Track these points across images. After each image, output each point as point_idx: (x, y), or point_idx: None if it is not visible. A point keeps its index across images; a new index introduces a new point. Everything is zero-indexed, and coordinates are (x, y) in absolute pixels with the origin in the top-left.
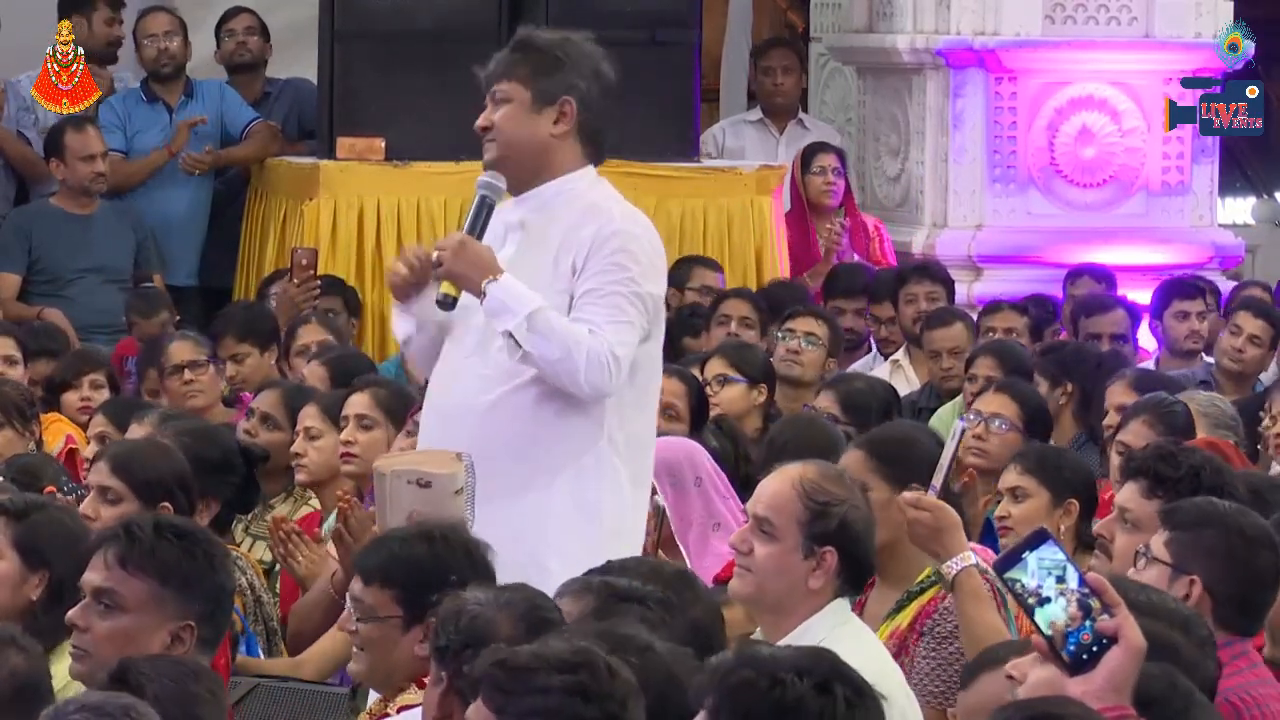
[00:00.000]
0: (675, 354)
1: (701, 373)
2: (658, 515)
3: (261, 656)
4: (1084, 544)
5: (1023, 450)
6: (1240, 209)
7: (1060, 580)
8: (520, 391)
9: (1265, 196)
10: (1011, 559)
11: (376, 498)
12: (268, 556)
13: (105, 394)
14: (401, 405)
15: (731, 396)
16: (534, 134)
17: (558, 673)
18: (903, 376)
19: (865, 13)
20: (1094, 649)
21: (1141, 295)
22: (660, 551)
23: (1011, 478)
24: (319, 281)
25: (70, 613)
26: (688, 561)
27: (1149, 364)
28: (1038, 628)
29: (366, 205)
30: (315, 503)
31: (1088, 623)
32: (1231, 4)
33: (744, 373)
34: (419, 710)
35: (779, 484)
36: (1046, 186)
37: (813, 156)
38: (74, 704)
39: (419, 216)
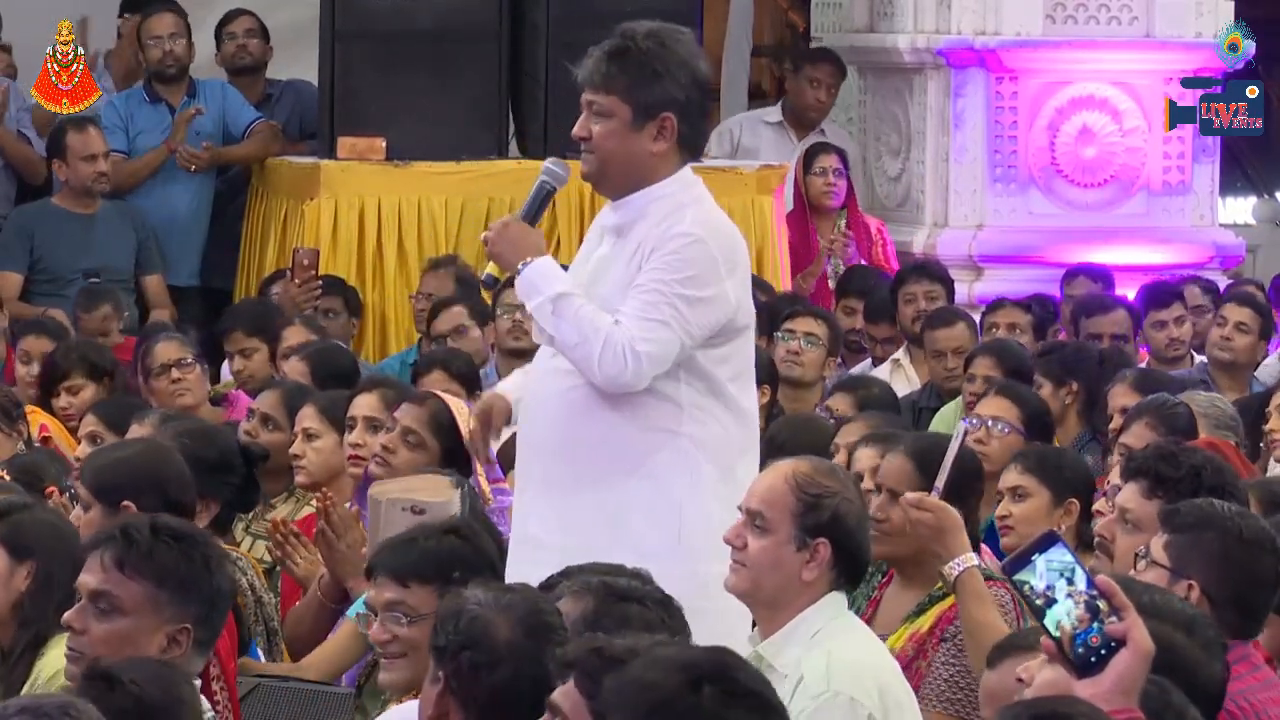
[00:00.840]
0: None
1: None
2: None
3: (261, 658)
4: (1084, 544)
5: (1023, 450)
6: (1241, 209)
7: (1069, 582)
8: (582, 394)
9: (1266, 196)
10: (1020, 561)
11: (370, 524)
12: (268, 556)
13: (86, 396)
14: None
15: None
16: (634, 151)
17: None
18: (903, 376)
19: (866, 12)
20: (1102, 652)
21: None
22: None
23: (1012, 477)
24: (320, 281)
25: (66, 615)
26: None
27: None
28: (1046, 630)
29: (367, 205)
30: (315, 504)
31: (1096, 625)
32: (1232, 4)
33: None
34: (413, 704)
35: (771, 479)
36: (1047, 186)
37: (814, 157)
38: (12, 707)
39: (420, 216)
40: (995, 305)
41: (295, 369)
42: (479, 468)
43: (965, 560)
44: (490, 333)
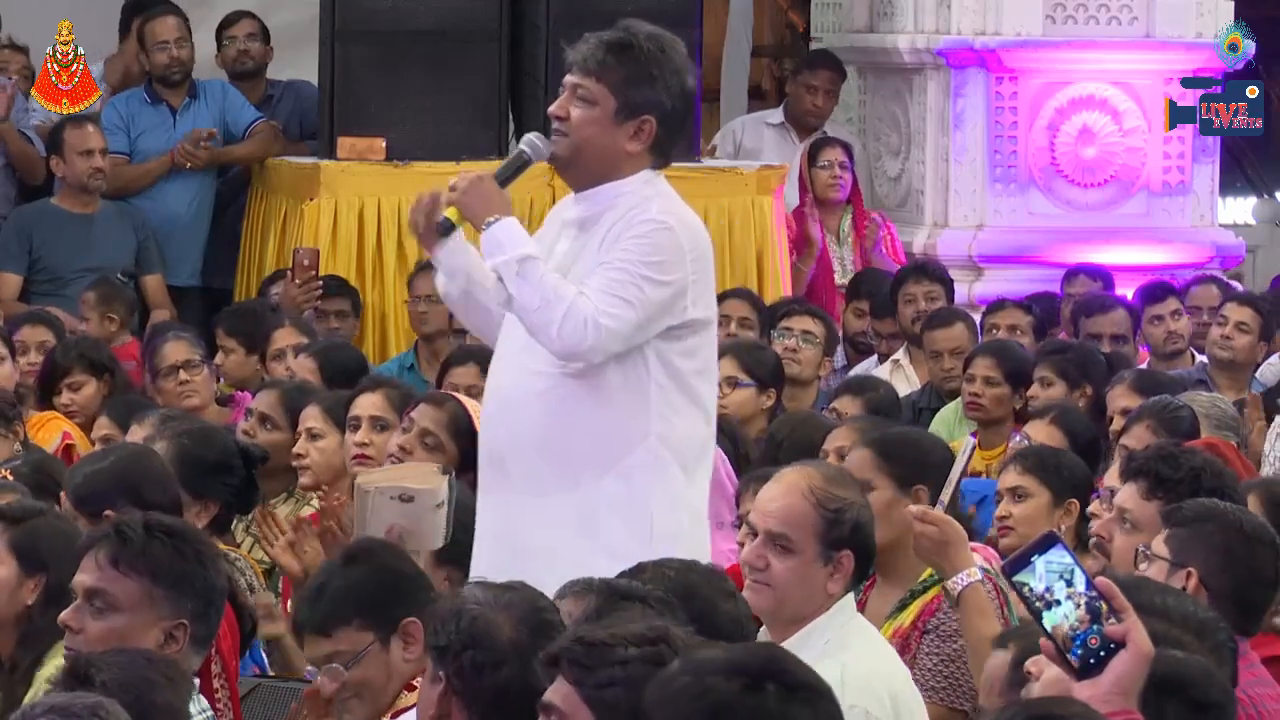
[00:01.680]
0: None
1: None
2: None
3: (264, 658)
4: (1084, 544)
5: (1022, 450)
6: (1241, 209)
7: (1068, 584)
8: (563, 385)
9: (1266, 196)
10: (1020, 562)
11: (356, 513)
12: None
13: (88, 392)
14: (408, 405)
15: (740, 400)
16: (609, 145)
17: (635, 645)
18: (902, 376)
19: (866, 13)
20: (1101, 653)
21: None
22: None
23: (1012, 478)
24: (320, 281)
25: (62, 615)
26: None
27: (1144, 366)
28: (1045, 631)
29: (367, 205)
30: (316, 503)
31: (1095, 627)
32: (1232, 4)
33: (755, 376)
34: (413, 713)
35: (787, 497)
36: (1047, 186)
37: (819, 150)
38: (41, 706)
39: None
40: (996, 306)
41: (303, 366)
42: None
43: (969, 575)
44: None
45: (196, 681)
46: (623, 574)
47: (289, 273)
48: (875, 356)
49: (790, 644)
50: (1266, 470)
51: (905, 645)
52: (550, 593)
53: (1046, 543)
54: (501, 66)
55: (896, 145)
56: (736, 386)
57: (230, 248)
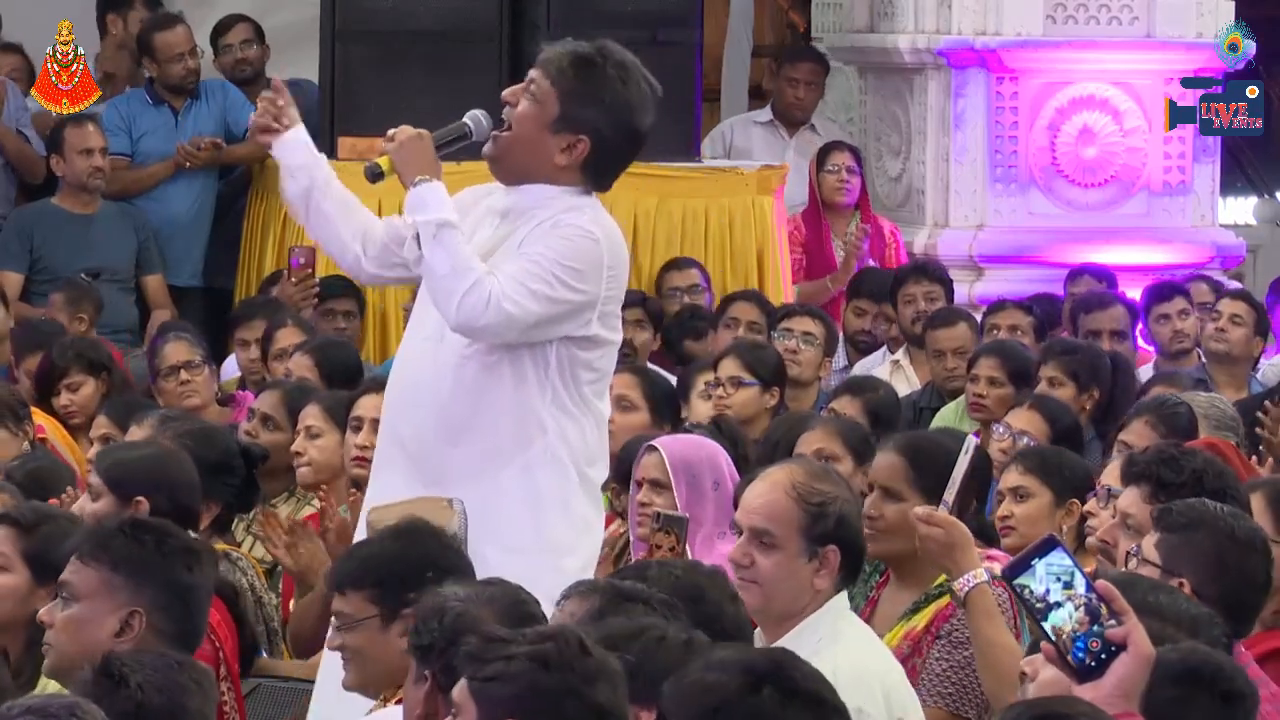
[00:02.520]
0: (679, 357)
1: (714, 371)
2: (670, 523)
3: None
4: (1084, 544)
5: (1023, 451)
6: (1242, 209)
7: (1068, 586)
8: (468, 377)
9: (1267, 196)
10: (1020, 565)
11: None
12: (269, 556)
13: (86, 392)
14: None
15: (743, 400)
16: (539, 148)
17: (528, 643)
18: (903, 376)
19: (866, 13)
20: (1102, 656)
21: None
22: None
23: (1013, 478)
24: (317, 281)
25: (40, 612)
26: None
27: (1149, 366)
28: (1045, 634)
29: (368, 205)
30: (317, 503)
31: (1095, 629)
32: (1232, 4)
33: (758, 375)
34: (397, 710)
35: (770, 494)
36: (1048, 186)
37: (827, 155)
38: (19, 707)
39: None
40: (996, 306)
41: (301, 364)
42: None
43: (975, 576)
44: None
45: None
46: (625, 574)
47: (285, 272)
48: (875, 354)
49: (783, 643)
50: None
51: (917, 648)
52: None
53: (1046, 546)
54: (501, 66)
55: (897, 145)
56: (740, 386)
57: (232, 248)
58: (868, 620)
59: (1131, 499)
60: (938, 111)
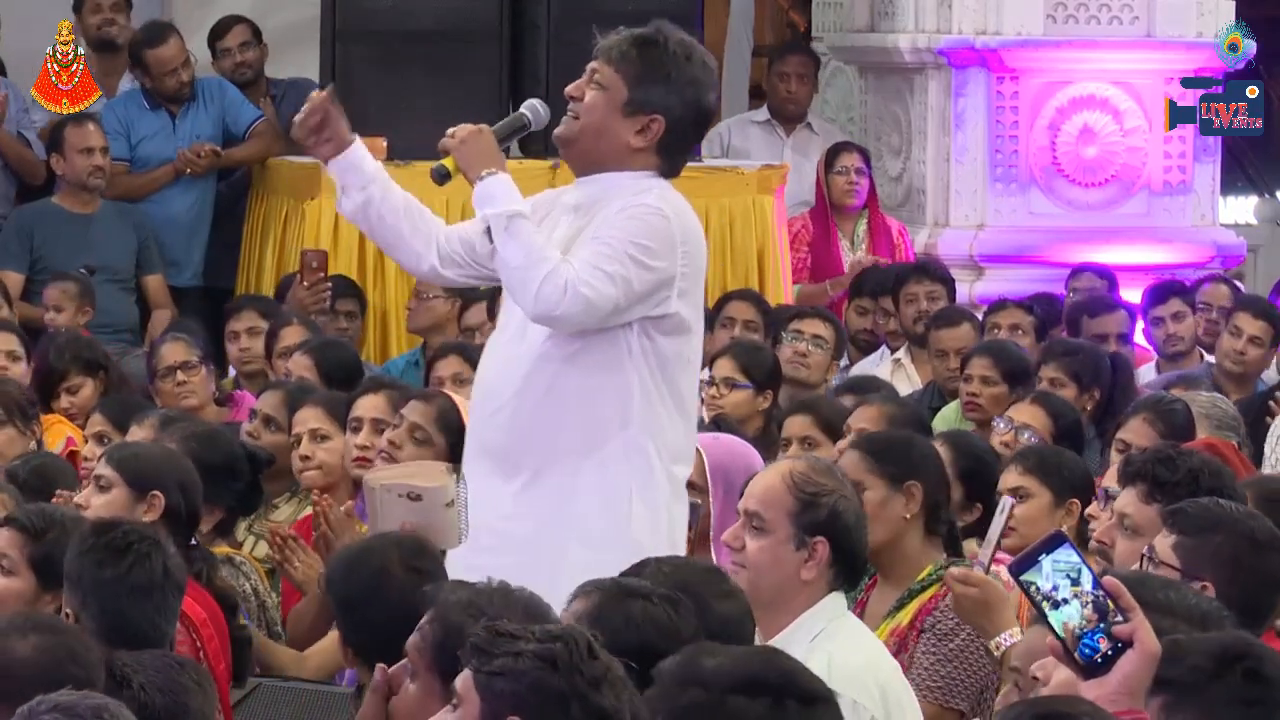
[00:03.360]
0: None
1: (710, 370)
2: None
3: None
4: (1084, 544)
5: (1022, 451)
6: (1242, 208)
7: (1075, 583)
8: (547, 373)
9: (1267, 196)
10: (1027, 562)
11: (368, 511)
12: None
13: (86, 393)
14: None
15: (736, 401)
16: (613, 133)
17: (536, 640)
18: (904, 376)
19: (867, 12)
20: (1109, 653)
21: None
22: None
23: (1012, 478)
24: (329, 283)
25: None
26: (715, 560)
27: (1150, 366)
28: (1052, 630)
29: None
30: None
31: (1102, 626)
32: (1232, 4)
33: (752, 378)
34: None
35: (768, 478)
36: (1048, 186)
37: (836, 156)
38: (47, 703)
39: None
40: (997, 305)
41: (300, 364)
42: None
43: (1013, 635)
44: None
45: None
46: (625, 571)
47: (297, 275)
48: (874, 355)
49: (780, 638)
50: (1268, 472)
51: (903, 644)
52: (528, 579)
53: (1054, 542)
54: (502, 66)
55: (897, 145)
56: (734, 388)
57: (232, 249)
58: None
59: (1128, 499)
60: (938, 111)
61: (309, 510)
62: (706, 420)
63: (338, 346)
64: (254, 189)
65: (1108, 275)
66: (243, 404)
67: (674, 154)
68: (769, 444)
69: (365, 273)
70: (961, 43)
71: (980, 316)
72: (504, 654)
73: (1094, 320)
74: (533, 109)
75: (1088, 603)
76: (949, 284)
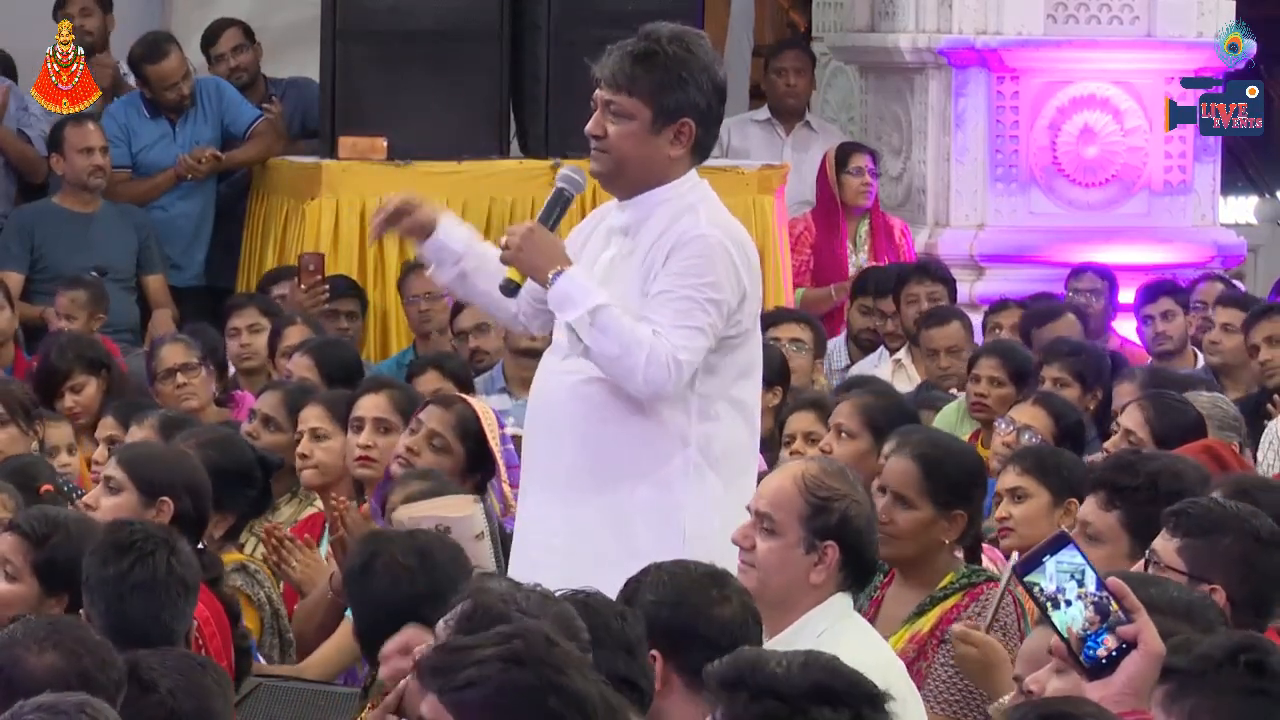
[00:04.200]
0: None
1: None
2: None
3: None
4: None
5: (1021, 451)
6: (1243, 208)
7: (1079, 584)
8: (604, 391)
9: (1267, 196)
10: (1031, 563)
11: None
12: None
13: (89, 393)
14: (413, 406)
15: None
16: (651, 155)
17: (492, 644)
18: (904, 376)
19: (867, 12)
20: (1113, 654)
21: None
22: None
23: (1011, 478)
24: (327, 285)
25: None
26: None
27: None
28: (1056, 631)
29: (369, 205)
30: (320, 503)
31: (1106, 627)
32: (1232, 4)
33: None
34: None
35: (780, 480)
36: (1048, 186)
37: (848, 156)
38: (30, 704)
39: None
40: (998, 305)
41: (300, 364)
42: (502, 472)
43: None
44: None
45: None
46: (630, 579)
47: (295, 278)
48: (872, 355)
49: (784, 636)
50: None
51: (922, 651)
52: None
53: (1058, 543)
54: (502, 66)
55: (898, 145)
56: None
57: (233, 249)
58: (871, 620)
59: (1089, 507)
60: (938, 111)
61: (310, 510)
62: None
63: (338, 346)
64: (254, 189)
65: (1108, 275)
66: (243, 404)
67: (707, 146)
68: (777, 445)
69: (365, 273)
70: (962, 43)
71: (980, 317)
72: (465, 666)
73: (1042, 330)
74: (568, 179)
75: (1091, 604)
76: (950, 284)
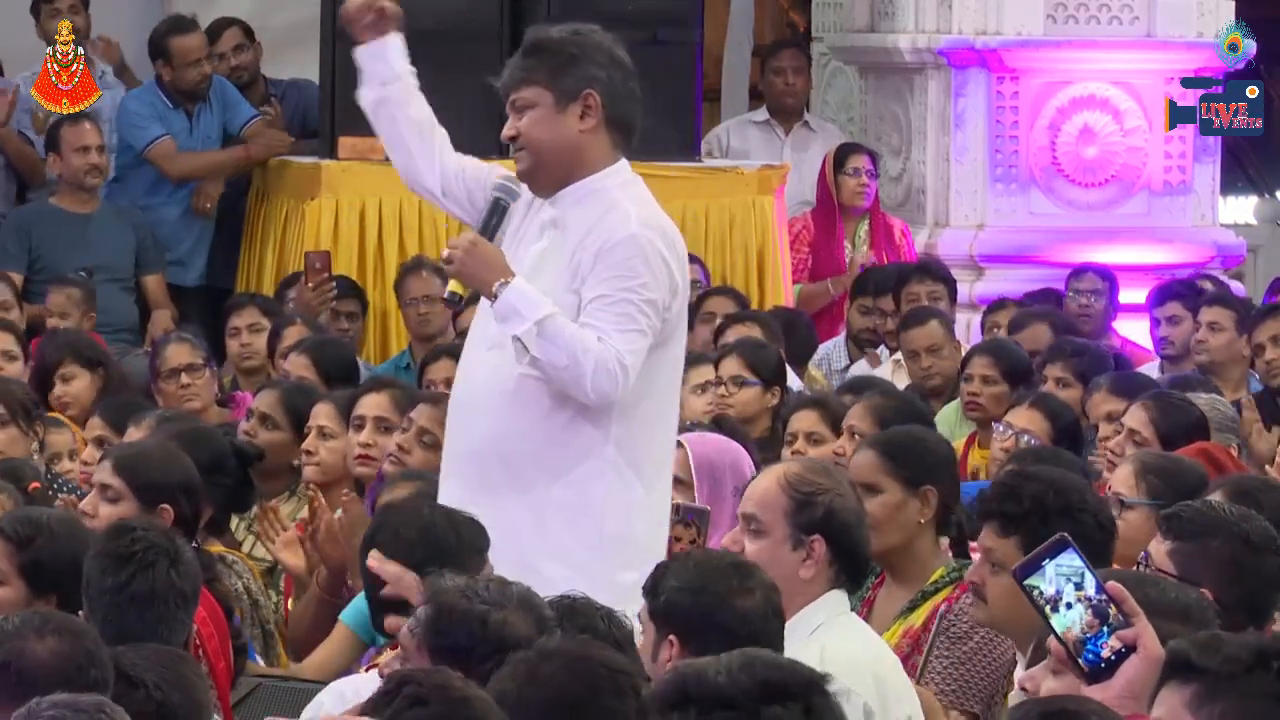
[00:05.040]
0: None
1: (715, 370)
2: (691, 515)
3: (259, 662)
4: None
5: (1019, 453)
6: (1242, 208)
7: (1078, 587)
8: (526, 387)
9: (1267, 196)
10: (1031, 566)
11: None
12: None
13: (81, 384)
14: (413, 406)
15: (746, 399)
16: (563, 135)
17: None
18: (904, 376)
19: (867, 12)
20: (1112, 658)
21: (1143, 295)
22: None
23: None
24: (334, 283)
25: None
26: None
27: (1153, 365)
28: (1055, 635)
29: (368, 205)
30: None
31: (1105, 630)
32: (1232, 4)
33: (760, 375)
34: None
35: (765, 481)
36: (1048, 186)
37: (846, 157)
38: (47, 702)
39: (420, 216)
40: (997, 305)
41: (298, 363)
42: None
43: None
44: None
45: None
46: (658, 564)
47: (302, 277)
48: (880, 349)
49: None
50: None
51: (916, 645)
52: None
53: (1058, 546)
54: (502, 66)
55: (897, 145)
56: (742, 385)
57: (233, 249)
58: (864, 620)
59: (986, 534)
60: (938, 111)
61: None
62: (705, 422)
63: (335, 345)
64: (254, 189)
65: (1108, 275)
66: (244, 405)
67: (623, 122)
68: (777, 443)
69: (365, 273)
70: (961, 43)
71: (980, 317)
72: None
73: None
74: (501, 188)
75: (1090, 607)
76: (950, 284)
